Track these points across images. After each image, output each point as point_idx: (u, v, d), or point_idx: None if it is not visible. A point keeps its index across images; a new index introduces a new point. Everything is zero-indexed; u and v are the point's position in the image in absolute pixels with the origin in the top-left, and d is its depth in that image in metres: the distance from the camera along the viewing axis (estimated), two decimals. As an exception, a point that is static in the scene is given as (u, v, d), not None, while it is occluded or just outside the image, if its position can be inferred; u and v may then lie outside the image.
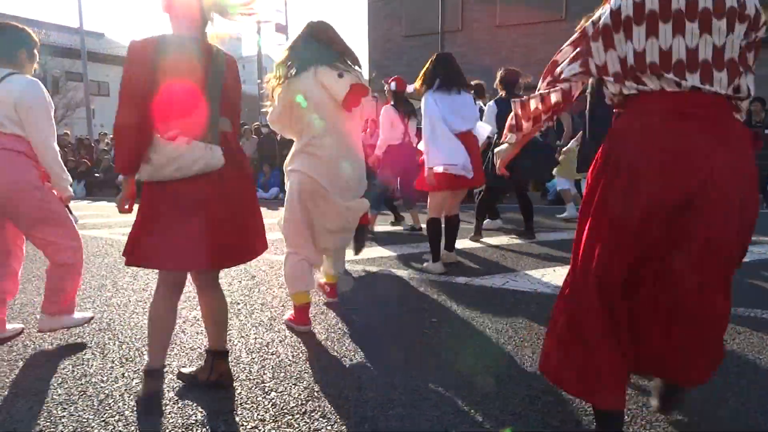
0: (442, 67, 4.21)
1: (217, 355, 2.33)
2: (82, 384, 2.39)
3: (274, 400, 2.22)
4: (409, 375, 2.44)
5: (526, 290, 3.82)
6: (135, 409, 2.16)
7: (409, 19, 16.30)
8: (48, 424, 2.06)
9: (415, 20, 16.12)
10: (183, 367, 2.55)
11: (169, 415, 2.11)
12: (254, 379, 2.42)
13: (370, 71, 17.28)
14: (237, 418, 2.09)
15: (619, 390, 1.72)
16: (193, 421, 2.07)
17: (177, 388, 2.34)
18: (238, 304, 3.60)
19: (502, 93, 5.69)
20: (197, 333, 3.04)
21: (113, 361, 2.65)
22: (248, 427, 2.03)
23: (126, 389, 2.34)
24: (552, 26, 14.55)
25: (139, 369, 2.54)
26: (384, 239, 6.08)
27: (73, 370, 2.54)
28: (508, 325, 3.09)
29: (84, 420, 2.08)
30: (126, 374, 2.49)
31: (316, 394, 2.28)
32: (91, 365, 2.60)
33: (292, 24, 26.35)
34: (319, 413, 2.11)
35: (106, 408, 2.17)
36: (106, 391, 2.31)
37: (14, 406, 2.19)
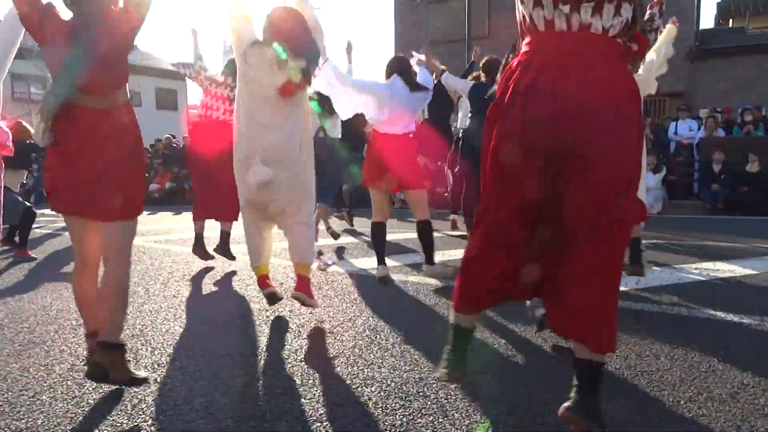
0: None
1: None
2: (116, 389, 2.44)
3: (303, 408, 2.23)
4: (439, 384, 2.43)
5: (556, 299, 3.76)
6: (168, 413, 2.20)
7: (436, 26, 16.31)
8: (84, 428, 2.10)
9: (441, 27, 16.12)
10: (217, 372, 2.58)
11: (200, 421, 2.13)
12: (283, 386, 2.44)
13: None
14: (266, 425, 2.10)
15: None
16: (224, 427, 2.09)
17: (207, 395, 2.36)
18: (267, 311, 3.63)
19: (483, 78, 5.47)
20: (225, 340, 3.08)
21: (146, 367, 2.69)
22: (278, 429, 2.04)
23: (159, 394, 2.37)
24: (580, 31, 14.41)
25: (171, 375, 2.58)
26: (413, 247, 6.07)
27: (108, 375, 2.59)
28: (539, 335, 3.04)
29: (118, 424, 2.12)
30: (158, 379, 2.53)
31: (344, 401, 2.28)
32: (125, 370, 2.65)
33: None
34: (348, 421, 2.11)
35: (140, 413, 2.21)
36: (139, 396, 2.35)
37: (51, 409, 2.25)
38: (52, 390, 2.44)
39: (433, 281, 4.34)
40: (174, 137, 15.98)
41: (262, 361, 2.74)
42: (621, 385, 2.40)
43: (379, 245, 4.39)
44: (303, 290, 3.32)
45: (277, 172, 3.17)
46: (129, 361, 2.42)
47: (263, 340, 3.04)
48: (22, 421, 2.16)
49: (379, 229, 4.37)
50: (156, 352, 2.90)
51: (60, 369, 2.68)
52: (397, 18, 17.21)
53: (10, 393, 2.39)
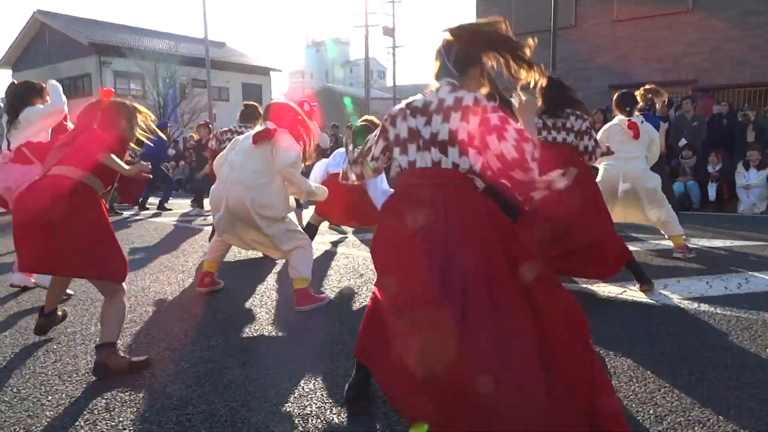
0: None
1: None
2: (208, 368, 2.57)
3: (385, 399, 2.24)
4: (520, 383, 2.37)
5: (647, 301, 3.58)
6: (256, 395, 2.29)
7: (520, 17, 15.87)
8: (180, 402, 2.24)
9: (525, 17, 15.65)
10: (302, 359, 2.66)
11: (287, 405, 2.21)
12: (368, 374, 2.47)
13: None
14: (349, 413, 2.14)
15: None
16: (308, 412, 2.15)
17: (293, 380, 2.44)
18: (352, 300, 3.69)
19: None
20: (309, 328, 3.16)
21: (235, 348, 2.82)
22: (360, 421, 2.08)
23: (248, 378, 2.48)
24: (677, 18, 13.52)
25: (259, 359, 2.69)
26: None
27: (201, 355, 2.74)
28: (626, 339, 2.91)
29: (211, 402, 2.24)
30: (248, 362, 2.64)
31: (425, 395, 2.28)
32: (216, 351, 2.79)
33: (399, 27, 26.54)
34: (429, 414, 2.11)
35: (231, 393, 2.32)
36: (230, 378, 2.47)
37: (151, 385, 2.41)
38: (153, 367, 2.61)
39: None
40: (259, 130, 16.57)
41: (347, 349, 2.79)
42: (722, 394, 2.25)
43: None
44: (301, 303, 3.52)
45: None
46: (120, 354, 2.63)
47: (346, 329, 3.10)
48: (126, 393, 2.33)
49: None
50: (245, 338, 3.03)
51: (158, 348, 2.86)
52: (479, 8, 16.89)
53: (115, 367, 2.57)
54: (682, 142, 9.56)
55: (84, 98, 27.31)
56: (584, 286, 3.95)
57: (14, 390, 2.39)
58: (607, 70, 14.28)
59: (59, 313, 3.08)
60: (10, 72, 31.71)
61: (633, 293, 3.76)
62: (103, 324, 2.60)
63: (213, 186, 3.69)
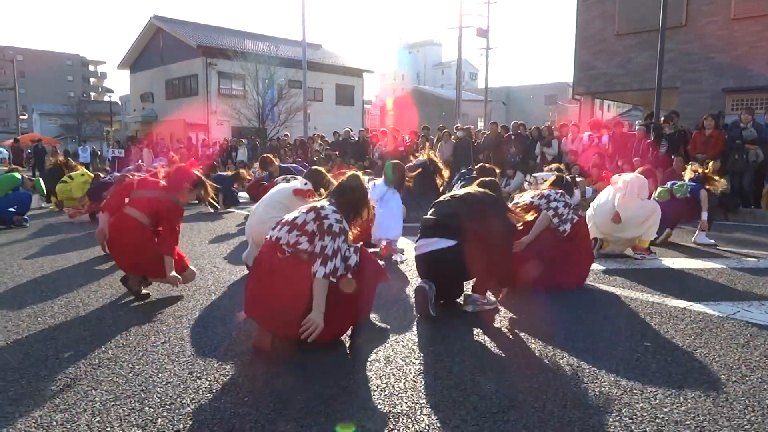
0: None
1: None
2: (304, 361, 2.66)
3: (475, 404, 2.22)
4: (621, 400, 2.25)
5: (764, 323, 3.28)
6: (348, 389, 2.34)
7: (624, 16, 15.09)
8: (276, 390, 2.33)
9: (630, 17, 14.86)
10: (392, 359, 2.68)
11: (376, 401, 2.24)
12: (455, 379, 2.45)
13: (576, 73, 16.44)
14: (440, 414, 2.13)
15: None
16: (398, 411, 2.16)
17: (383, 378, 2.47)
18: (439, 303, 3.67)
19: None
20: (398, 328, 3.17)
21: (329, 344, 2.87)
22: (450, 424, 2.06)
23: (340, 371, 2.54)
24: (805, 15, 12.31)
25: (352, 351, 2.74)
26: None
27: (298, 347, 2.82)
28: (740, 362, 2.68)
29: (306, 391, 2.31)
30: (340, 356, 2.70)
31: (517, 403, 2.22)
32: (312, 345, 2.86)
33: (493, 28, 26.04)
34: (522, 424, 2.06)
35: (323, 385, 2.38)
36: (324, 369, 2.54)
37: (251, 371, 2.52)
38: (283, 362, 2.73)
39: (614, 289, 4.04)
40: (351, 131, 16.88)
41: (434, 352, 2.79)
42: None
43: None
44: None
45: None
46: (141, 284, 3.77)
47: (437, 336, 3.09)
48: (227, 377, 2.46)
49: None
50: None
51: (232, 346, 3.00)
52: (580, 8, 16.25)
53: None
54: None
55: (191, 97, 29.23)
56: (700, 303, 3.69)
57: (129, 366, 2.59)
58: (722, 72, 13.26)
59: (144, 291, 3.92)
60: (128, 72, 34.57)
61: (748, 314, 3.46)
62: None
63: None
